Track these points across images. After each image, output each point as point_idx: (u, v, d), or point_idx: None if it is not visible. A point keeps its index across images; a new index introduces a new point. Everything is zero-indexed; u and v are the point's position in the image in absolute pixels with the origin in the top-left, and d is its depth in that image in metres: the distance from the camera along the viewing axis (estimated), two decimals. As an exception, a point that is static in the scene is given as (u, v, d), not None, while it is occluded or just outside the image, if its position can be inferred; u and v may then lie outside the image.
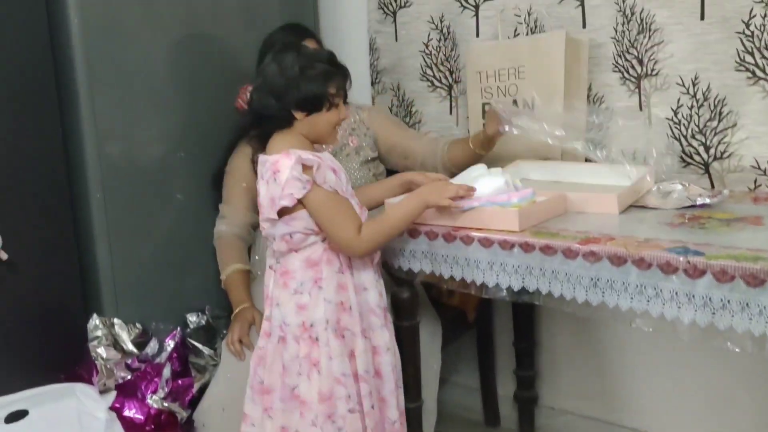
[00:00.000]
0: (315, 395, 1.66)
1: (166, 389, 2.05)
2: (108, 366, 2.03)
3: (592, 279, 1.51)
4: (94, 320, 2.06)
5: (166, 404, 2.04)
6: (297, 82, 1.62)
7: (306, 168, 1.60)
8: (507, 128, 1.95)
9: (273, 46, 1.89)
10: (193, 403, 2.08)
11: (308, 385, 1.67)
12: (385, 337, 1.76)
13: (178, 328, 2.17)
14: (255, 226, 2.13)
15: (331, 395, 1.66)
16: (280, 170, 1.60)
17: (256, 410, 1.75)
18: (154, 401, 2.03)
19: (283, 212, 1.62)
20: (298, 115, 1.65)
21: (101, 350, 2.04)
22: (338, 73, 1.67)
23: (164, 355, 2.11)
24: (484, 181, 1.74)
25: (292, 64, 1.63)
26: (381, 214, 1.75)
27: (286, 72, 1.63)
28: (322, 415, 1.66)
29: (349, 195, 1.69)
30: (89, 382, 2.03)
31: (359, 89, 2.49)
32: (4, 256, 1.92)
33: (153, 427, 2.01)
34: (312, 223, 1.65)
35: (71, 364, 2.06)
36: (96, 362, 2.02)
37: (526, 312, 2.39)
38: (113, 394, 2.02)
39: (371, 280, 1.74)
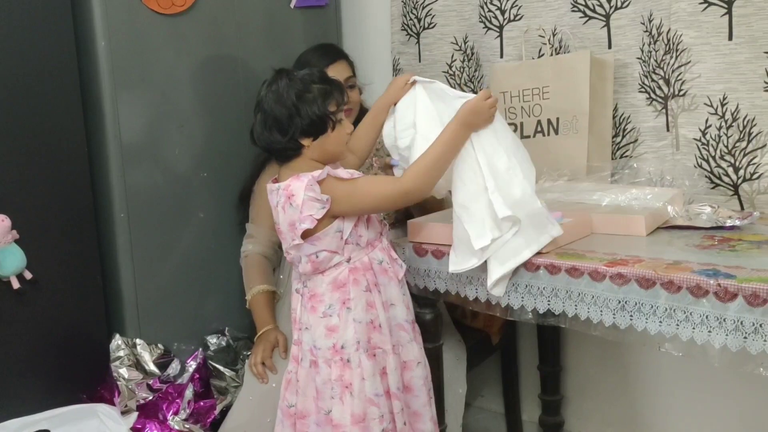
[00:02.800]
0: (348, 418, 1.64)
1: (188, 410, 2.04)
2: (130, 387, 2.02)
3: (619, 302, 1.48)
4: (117, 340, 2.06)
5: (187, 426, 2.03)
6: (297, 109, 1.59)
7: (322, 183, 1.59)
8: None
9: (306, 66, 1.89)
10: (215, 425, 2.06)
11: (341, 408, 1.65)
12: (414, 351, 1.74)
13: (200, 349, 2.16)
14: (281, 245, 2.13)
15: (364, 417, 1.65)
16: (294, 194, 1.58)
17: None
18: (175, 422, 2.02)
19: (306, 234, 1.61)
20: (305, 142, 1.61)
21: (123, 371, 2.03)
22: (334, 89, 1.64)
23: (186, 376, 2.10)
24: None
25: (287, 92, 1.60)
26: (430, 148, 1.65)
27: (284, 101, 1.59)
28: None
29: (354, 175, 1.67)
30: (111, 402, 2.02)
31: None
32: (29, 275, 1.93)
33: (174, 448, 2.00)
34: (336, 242, 1.63)
35: (93, 384, 2.06)
36: (118, 383, 2.02)
37: (551, 335, 2.36)
38: (135, 414, 2.01)
39: (397, 296, 1.72)
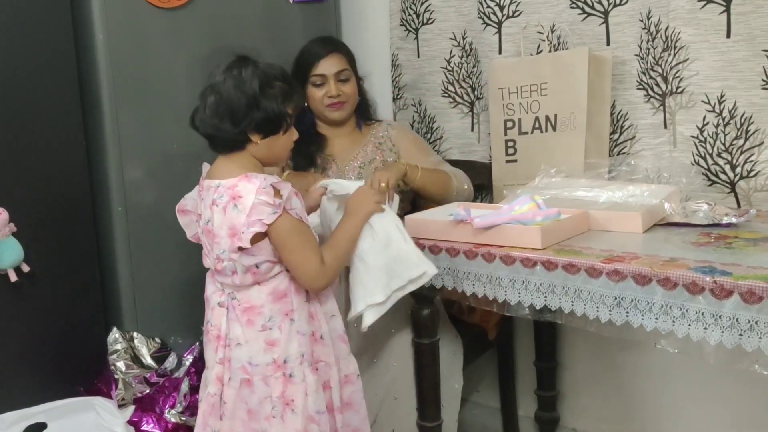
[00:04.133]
0: None
1: (184, 404, 2.05)
2: (127, 380, 2.03)
3: (616, 298, 1.49)
4: (114, 334, 2.07)
5: (183, 418, 2.03)
6: (257, 101, 1.49)
7: (276, 192, 1.48)
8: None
9: (309, 54, 1.89)
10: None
11: (281, 428, 1.55)
12: (353, 364, 1.69)
13: (197, 343, 2.17)
14: None
15: None
16: (243, 195, 1.48)
17: None
18: (171, 416, 2.02)
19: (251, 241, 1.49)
20: (255, 137, 1.52)
21: (120, 364, 2.04)
22: (294, 91, 1.56)
23: (183, 370, 2.11)
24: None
25: (251, 81, 1.50)
26: (328, 241, 1.63)
27: (245, 89, 1.49)
28: None
29: (305, 219, 1.58)
30: (108, 395, 2.03)
31: (381, 105, 2.49)
32: (26, 268, 1.93)
33: (170, 442, 2.01)
34: (273, 252, 1.54)
35: (91, 377, 2.07)
36: (115, 376, 2.02)
37: (547, 331, 2.36)
38: (132, 408, 2.02)
39: (336, 307, 1.67)
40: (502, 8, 2.33)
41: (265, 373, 1.56)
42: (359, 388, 1.69)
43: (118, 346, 2.06)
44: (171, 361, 2.12)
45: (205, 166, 1.65)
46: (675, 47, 2.01)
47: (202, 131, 1.55)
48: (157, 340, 2.11)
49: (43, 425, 1.90)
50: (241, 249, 1.50)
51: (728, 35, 1.94)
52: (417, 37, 2.57)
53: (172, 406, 2.04)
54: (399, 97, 2.64)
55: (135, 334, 2.09)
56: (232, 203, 1.49)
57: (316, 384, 1.58)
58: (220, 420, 1.59)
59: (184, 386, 2.06)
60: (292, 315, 1.56)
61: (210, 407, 1.61)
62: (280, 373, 1.56)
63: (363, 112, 2.30)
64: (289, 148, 1.61)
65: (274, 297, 1.56)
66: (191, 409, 2.05)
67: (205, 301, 1.65)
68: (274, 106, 1.51)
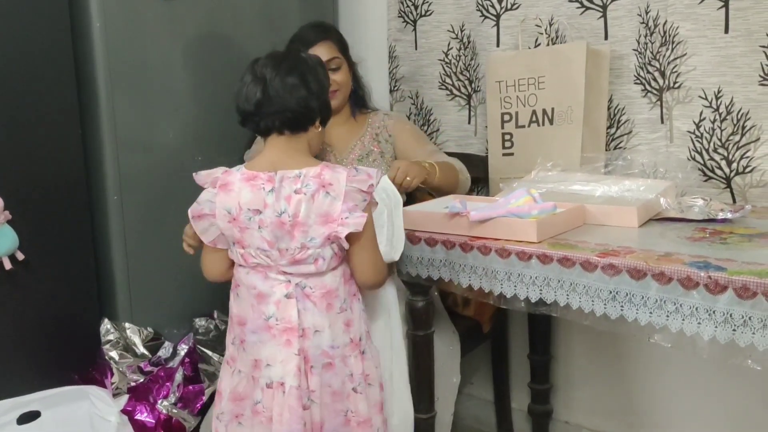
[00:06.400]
0: (373, 409, 1.65)
1: (177, 394, 2.05)
2: (120, 369, 2.02)
3: (611, 292, 1.49)
4: (106, 324, 2.07)
5: (175, 411, 2.03)
6: (324, 89, 1.62)
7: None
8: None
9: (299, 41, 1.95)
10: (204, 410, 2.07)
11: (365, 402, 1.63)
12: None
13: (191, 333, 2.16)
14: None
15: (383, 407, 1.67)
16: (333, 183, 1.51)
17: None
18: (163, 407, 2.02)
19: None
20: (317, 123, 1.61)
21: (114, 353, 2.04)
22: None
23: (177, 360, 2.10)
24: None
25: (321, 70, 1.63)
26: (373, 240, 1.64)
27: (319, 76, 1.61)
28: (383, 426, 1.67)
29: None
30: (102, 384, 2.03)
31: (378, 97, 2.48)
32: (21, 256, 1.93)
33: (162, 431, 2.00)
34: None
35: (85, 366, 2.07)
36: (110, 363, 2.02)
37: (542, 324, 2.37)
38: (126, 397, 2.02)
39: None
40: (500, 1, 2.32)
41: (344, 354, 1.61)
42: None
43: (111, 336, 2.06)
44: (166, 351, 2.11)
45: (219, 170, 1.62)
46: (673, 42, 2.01)
47: (281, 97, 1.55)
48: (150, 329, 2.11)
49: (37, 413, 1.90)
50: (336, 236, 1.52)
51: (726, 31, 1.94)
52: (415, 29, 2.57)
53: (166, 396, 2.04)
54: (396, 88, 2.64)
55: (127, 325, 2.08)
56: (322, 191, 1.51)
57: (377, 356, 1.69)
58: (303, 409, 1.57)
59: (178, 376, 2.06)
60: (358, 295, 1.66)
61: (297, 401, 1.56)
62: (357, 351, 1.63)
63: (357, 99, 2.28)
64: (321, 142, 1.69)
65: (345, 279, 1.62)
66: (184, 400, 2.06)
67: (256, 297, 1.59)
68: (326, 97, 1.62)
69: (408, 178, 1.87)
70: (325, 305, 1.58)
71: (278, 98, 1.55)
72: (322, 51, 2.13)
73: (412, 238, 1.80)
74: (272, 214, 1.53)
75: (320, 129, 1.63)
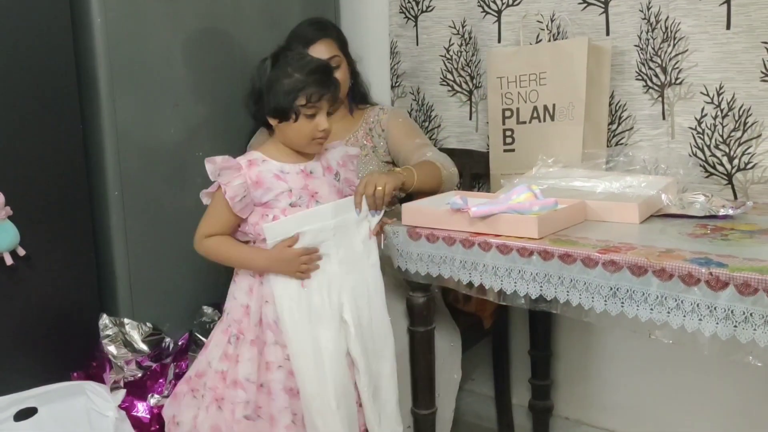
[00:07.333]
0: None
1: (170, 389, 2.04)
2: (119, 364, 2.03)
3: (611, 288, 1.49)
4: (104, 320, 2.06)
5: (164, 405, 2.03)
6: (268, 90, 1.70)
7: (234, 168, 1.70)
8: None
9: (292, 42, 1.96)
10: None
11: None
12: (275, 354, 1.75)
13: (191, 330, 2.16)
14: None
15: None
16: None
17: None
18: (155, 401, 2.02)
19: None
20: (271, 121, 1.72)
21: (112, 348, 2.04)
22: (311, 84, 1.67)
23: (173, 356, 2.10)
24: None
25: (266, 72, 1.71)
26: (236, 243, 1.78)
27: (262, 79, 1.71)
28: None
29: (247, 210, 1.72)
30: (101, 379, 2.03)
31: (379, 92, 2.48)
32: (22, 252, 1.93)
33: (158, 427, 2.00)
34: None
35: (84, 361, 2.07)
36: (109, 357, 2.02)
37: (542, 321, 2.37)
38: (122, 392, 2.02)
39: (273, 296, 1.73)
40: (501, -4, 2.32)
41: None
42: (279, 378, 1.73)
43: (109, 331, 2.06)
44: (166, 346, 2.11)
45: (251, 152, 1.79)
46: (675, 38, 2.01)
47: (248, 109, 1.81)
48: (148, 324, 2.10)
49: (33, 410, 1.89)
50: None
51: (728, 27, 1.94)
52: (416, 25, 2.56)
53: (160, 393, 2.04)
54: (397, 84, 2.63)
55: (125, 320, 2.08)
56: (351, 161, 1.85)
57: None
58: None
59: (170, 372, 2.06)
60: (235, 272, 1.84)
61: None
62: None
63: (355, 96, 2.28)
64: (304, 136, 1.71)
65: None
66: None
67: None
68: (279, 97, 1.68)
69: (379, 188, 1.76)
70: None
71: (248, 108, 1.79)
72: (322, 49, 2.13)
73: (412, 233, 1.80)
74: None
75: (284, 124, 1.71)
